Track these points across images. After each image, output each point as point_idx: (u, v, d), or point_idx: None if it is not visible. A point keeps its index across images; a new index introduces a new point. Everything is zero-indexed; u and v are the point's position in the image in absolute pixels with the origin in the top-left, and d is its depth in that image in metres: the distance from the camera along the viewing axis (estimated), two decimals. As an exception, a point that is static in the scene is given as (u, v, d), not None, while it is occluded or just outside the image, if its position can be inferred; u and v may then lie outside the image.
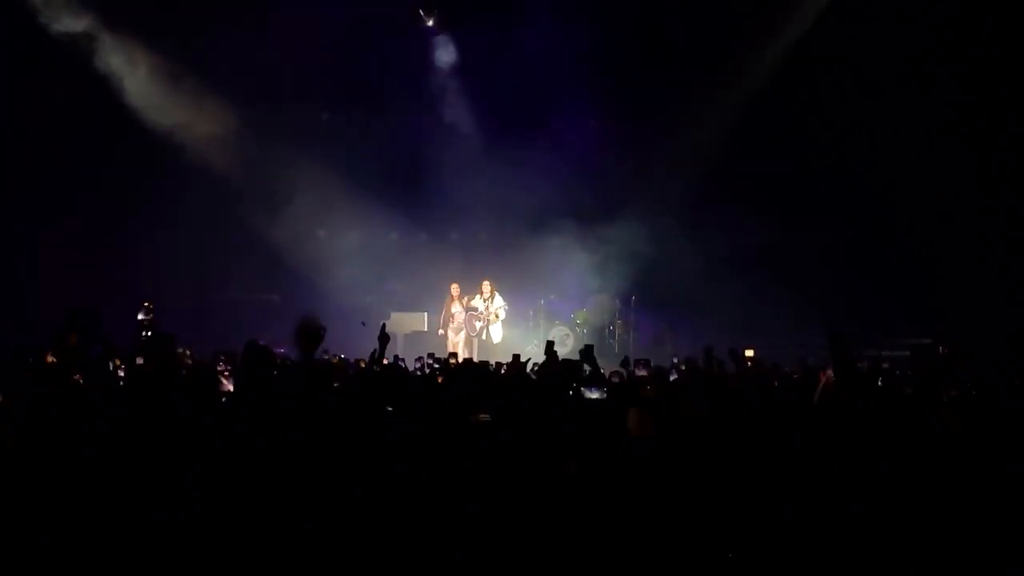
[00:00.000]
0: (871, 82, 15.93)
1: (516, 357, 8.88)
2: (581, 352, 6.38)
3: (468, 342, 16.17)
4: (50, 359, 6.71)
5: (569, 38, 16.52)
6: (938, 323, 15.13)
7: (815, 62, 16.09)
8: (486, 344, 16.08)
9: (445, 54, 18.02)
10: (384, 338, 6.10)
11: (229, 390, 6.10)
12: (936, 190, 15.70)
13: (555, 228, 17.18)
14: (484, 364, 8.94)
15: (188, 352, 9.93)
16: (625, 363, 8.92)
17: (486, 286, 16.36)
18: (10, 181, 15.28)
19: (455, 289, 16.36)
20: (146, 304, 11.94)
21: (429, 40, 18.02)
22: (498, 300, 16.31)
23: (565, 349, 15.24)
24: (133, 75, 16.15)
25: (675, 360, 11.18)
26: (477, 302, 16.31)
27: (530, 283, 17.34)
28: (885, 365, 11.42)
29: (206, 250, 16.80)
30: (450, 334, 16.20)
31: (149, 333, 11.06)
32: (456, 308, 16.30)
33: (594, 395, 6.07)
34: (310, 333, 5.19)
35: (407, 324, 16.74)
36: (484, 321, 16.21)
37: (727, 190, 16.55)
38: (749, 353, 10.40)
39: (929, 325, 15.12)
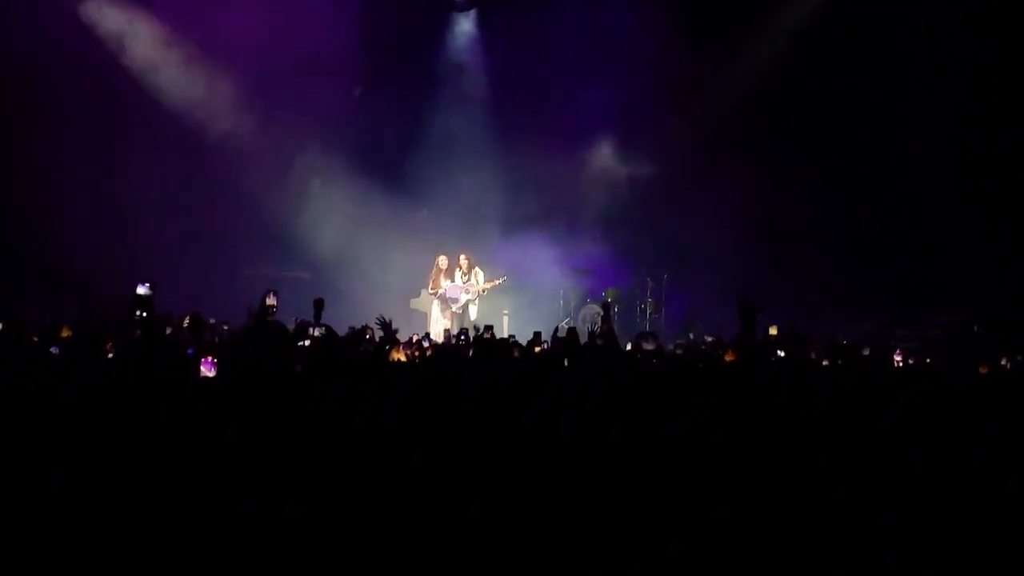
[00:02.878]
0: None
1: (538, 335, 8.75)
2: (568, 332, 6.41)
3: (445, 315, 15.98)
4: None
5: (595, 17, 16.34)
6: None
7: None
8: (462, 318, 15.91)
9: (467, 28, 17.97)
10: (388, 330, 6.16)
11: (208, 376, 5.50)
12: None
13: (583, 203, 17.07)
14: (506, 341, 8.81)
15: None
16: (640, 337, 8.89)
17: (463, 260, 16.19)
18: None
19: (443, 261, 16.23)
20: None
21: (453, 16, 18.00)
22: (480, 275, 16.17)
23: (596, 326, 15.09)
24: (142, 47, 16.22)
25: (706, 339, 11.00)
26: (458, 277, 16.15)
27: (557, 261, 17.22)
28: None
29: (233, 228, 16.81)
30: (435, 307, 16.10)
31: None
32: (444, 281, 16.16)
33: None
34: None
35: (427, 303, 16.62)
36: (474, 295, 16.08)
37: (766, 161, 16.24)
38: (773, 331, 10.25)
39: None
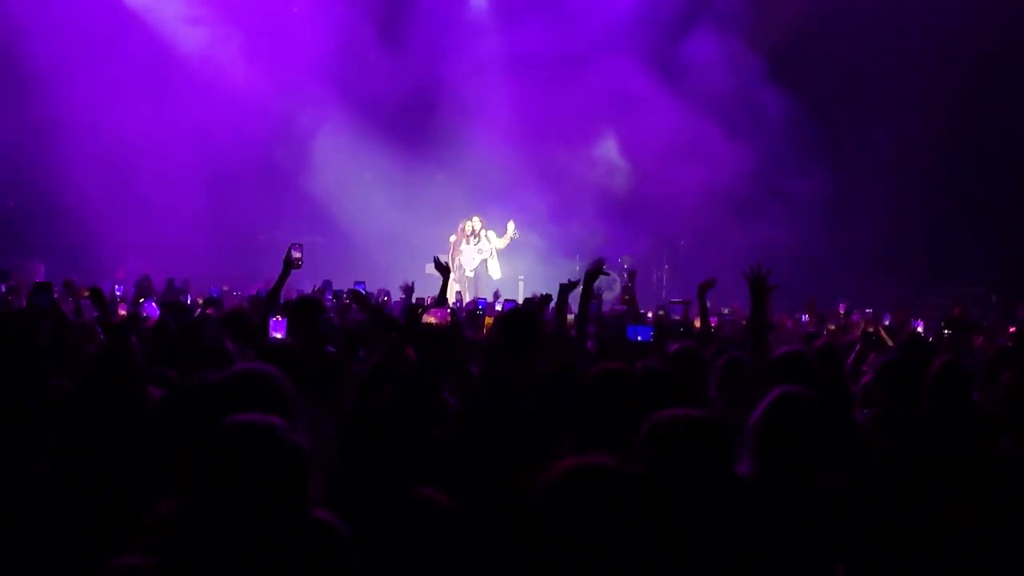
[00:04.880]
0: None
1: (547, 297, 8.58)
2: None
3: (460, 279, 15.74)
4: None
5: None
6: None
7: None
8: (481, 281, 15.86)
9: None
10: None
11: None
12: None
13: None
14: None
15: None
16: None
17: (477, 222, 16.12)
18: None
19: (468, 226, 16.15)
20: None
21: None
22: (492, 235, 16.09)
23: (612, 294, 15.02)
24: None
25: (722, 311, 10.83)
26: (471, 242, 16.08)
27: (573, 225, 17.14)
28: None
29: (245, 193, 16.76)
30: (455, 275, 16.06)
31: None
32: (464, 246, 16.10)
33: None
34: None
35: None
36: (487, 253, 16.01)
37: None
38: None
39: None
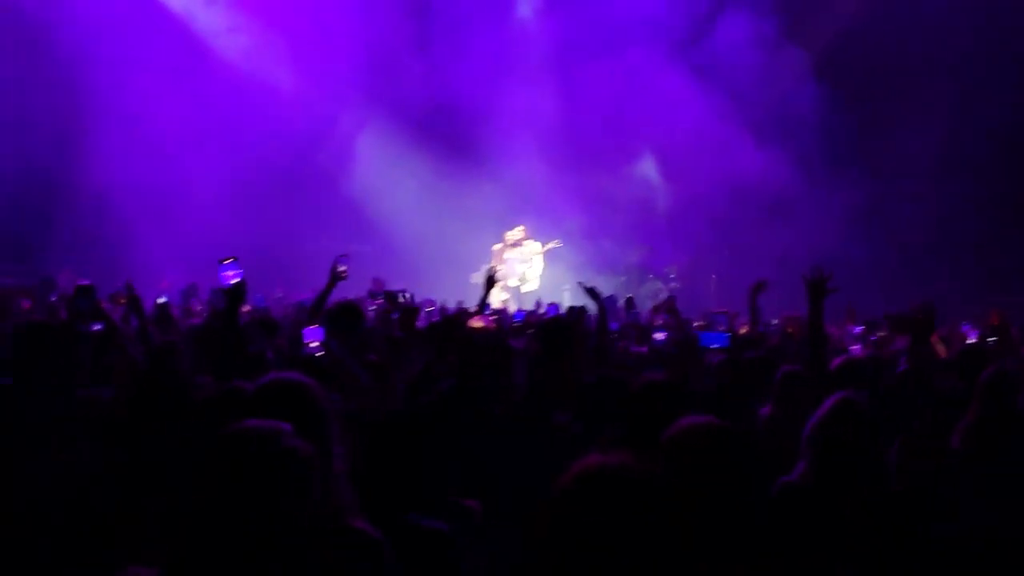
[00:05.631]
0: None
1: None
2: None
3: (502, 290, 15.81)
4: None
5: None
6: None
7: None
8: (516, 294, 15.90)
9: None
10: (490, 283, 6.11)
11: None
12: None
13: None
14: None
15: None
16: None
17: (519, 232, 16.08)
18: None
19: (510, 236, 16.30)
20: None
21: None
22: (535, 244, 16.04)
23: (658, 303, 14.89)
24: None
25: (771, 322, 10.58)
26: (515, 251, 16.17)
27: (617, 234, 17.05)
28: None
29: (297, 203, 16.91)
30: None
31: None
32: (508, 254, 16.14)
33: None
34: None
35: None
36: (528, 259, 15.96)
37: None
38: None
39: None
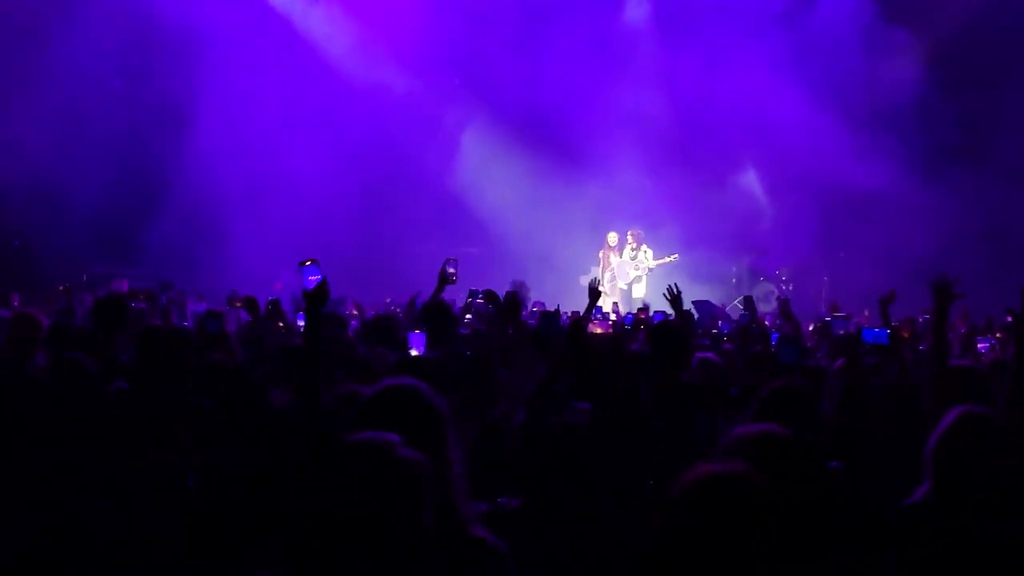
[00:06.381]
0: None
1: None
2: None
3: (612, 292, 15.66)
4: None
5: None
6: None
7: None
8: (629, 296, 15.68)
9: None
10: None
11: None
12: None
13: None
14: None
15: None
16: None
17: (632, 236, 16.03)
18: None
19: (613, 238, 16.20)
20: None
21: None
22: (649, 253, 15.96)
23: (769, 307, 14.52)
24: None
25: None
26: (626, 253, 16.06)
27: (728, 236, 16.68)
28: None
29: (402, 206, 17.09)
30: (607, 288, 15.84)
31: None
32: (614, 259, 16.06)
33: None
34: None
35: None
36: (643, 272, 15.78)
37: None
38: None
39: None
